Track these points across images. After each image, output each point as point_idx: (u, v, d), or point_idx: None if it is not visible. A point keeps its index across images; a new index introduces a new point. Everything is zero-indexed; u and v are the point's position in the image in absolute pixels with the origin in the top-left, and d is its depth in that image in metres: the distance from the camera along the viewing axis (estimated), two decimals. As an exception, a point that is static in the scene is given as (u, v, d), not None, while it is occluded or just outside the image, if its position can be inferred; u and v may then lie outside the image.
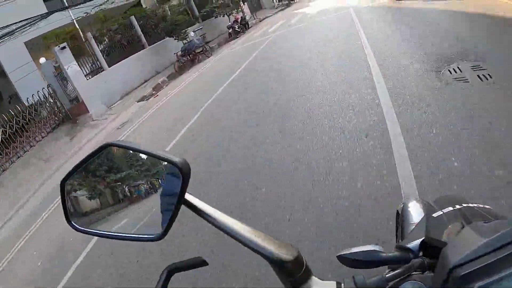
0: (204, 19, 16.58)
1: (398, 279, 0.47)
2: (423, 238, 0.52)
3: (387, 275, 0.47)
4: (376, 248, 0.52)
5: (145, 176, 0.51)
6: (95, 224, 0.54)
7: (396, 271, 0.47)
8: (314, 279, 0.46)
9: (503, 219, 0.52)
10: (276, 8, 21.69)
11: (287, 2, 22.15)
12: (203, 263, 0.54)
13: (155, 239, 0.48)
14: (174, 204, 0.45)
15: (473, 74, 3.39)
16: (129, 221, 0.53)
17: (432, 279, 0.45)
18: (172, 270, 0.53)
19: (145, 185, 0.52)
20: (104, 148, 0.50)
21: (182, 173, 0.44)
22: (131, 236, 0.51)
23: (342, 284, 0.46)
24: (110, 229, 0.53)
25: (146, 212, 0.52)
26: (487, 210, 0.62)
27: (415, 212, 0.84)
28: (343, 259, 0.52)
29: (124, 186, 0.52)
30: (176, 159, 0.45)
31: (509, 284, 0.34)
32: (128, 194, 0.52)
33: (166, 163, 0.46)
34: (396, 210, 0.95)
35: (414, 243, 0.52)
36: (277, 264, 0.44)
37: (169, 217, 0.46)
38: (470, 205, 0.63)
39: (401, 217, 0.90)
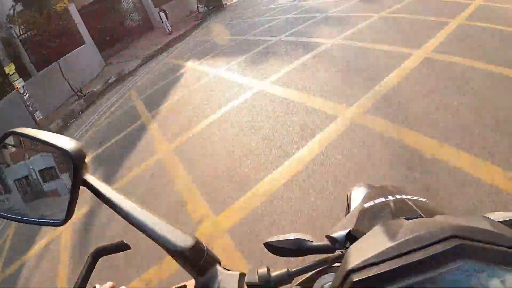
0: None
1: (314, 271, 0.48)
2: (350, 229, 0.51)
3: (292, 269, 0.46)
4: (304, 236, 0.52)
5: (47, 161, 0.53)
6: (2, 207, 0.54)
7: (304, 265, 0.47)
8: (218, 268, 0.45)
9: (434, 214, 0.48)
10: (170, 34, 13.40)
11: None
12: (126, 246, 0.56)
13: (58, 224, 0.50)
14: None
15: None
16: (34, 205, 0.54)
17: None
18: (97, 254, 0.55)
19: (48, 170, 0.53)
20: (7, 136, 0.51)
21: (73, 160, 0.46)
22: (35, 220, 0.53)
23: (246, 276, 0.45)
24: (14, 213, 0.54)
25: (50, 197, 0.54)
26: (420, 204, 0.58)
27: (360, 198, 0.81)
28: (270, 247, 0.52)
29: (28, 171, 0.54)
30: (67, 146, 0.46)
31: None
32: (33, 179, 0.54)
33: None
34: (347, 194, 0.95)
35: (341, 234, 0.51)
36: (176, 253, 0.43)
37: (68, 202, 0.48)
38: (404, 197, 0.60)
39: (348, 201, 0.90)
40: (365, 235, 0.41)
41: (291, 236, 0.51)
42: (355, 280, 0.33)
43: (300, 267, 0.46)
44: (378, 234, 0.38)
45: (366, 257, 0.35)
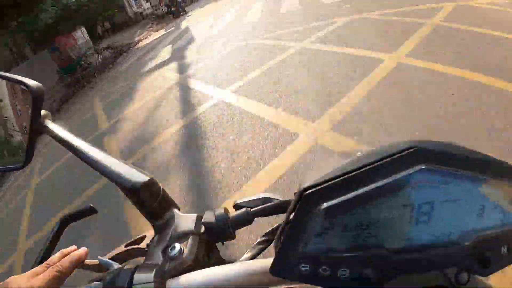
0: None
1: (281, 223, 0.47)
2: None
3: (251, 210, 0.46)
4: (271, 195, 0.51)
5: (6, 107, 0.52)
6: None
7: (264, 206, 0.46)
8: (175, 211, 0.46)
9: None
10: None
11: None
12: (93, 210, 0.55)
13: (18, 168, 0.50)
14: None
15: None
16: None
17: None
18: (65, 220, 0.54)
19: (8, 111, 0.52)
20: None
21: (33, 95, 0.46)
22: None
23: (203, 217, 0.45)
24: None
25: (9, 139, 0.53)
26: None
27: None
28: (239, 207, 0.51)
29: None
30: (29, 82, 0.46)
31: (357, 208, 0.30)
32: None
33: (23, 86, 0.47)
34: None
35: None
36: (127, 190, 0.43)
37: (27, 146, 0.47)
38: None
39: None
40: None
41: (259, 195, 0.50)
42: (307, 193, 0.31)
43: (260, 207, 0.45)
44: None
45: (321, 175, 0.32)
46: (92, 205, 0.56)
